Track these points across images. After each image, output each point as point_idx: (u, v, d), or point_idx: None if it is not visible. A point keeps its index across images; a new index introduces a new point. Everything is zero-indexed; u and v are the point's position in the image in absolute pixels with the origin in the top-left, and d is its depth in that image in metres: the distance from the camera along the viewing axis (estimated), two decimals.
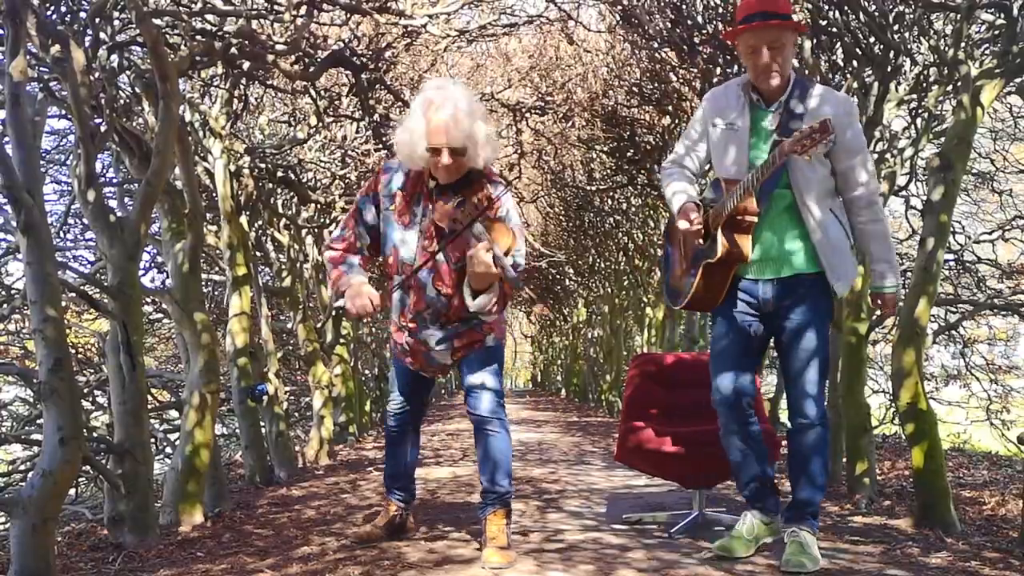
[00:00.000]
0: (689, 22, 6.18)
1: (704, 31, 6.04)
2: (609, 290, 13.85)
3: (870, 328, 4.67)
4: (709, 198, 3.05)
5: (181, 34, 4.37)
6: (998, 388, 9.56)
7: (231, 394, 5.64)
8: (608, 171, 10.73)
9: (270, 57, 4.54)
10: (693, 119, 3.19)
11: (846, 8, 4.55)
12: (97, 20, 3.86)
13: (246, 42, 4.35)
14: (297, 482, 5.53)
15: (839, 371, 4.76)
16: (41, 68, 3.82)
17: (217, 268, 7.74)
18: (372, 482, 5.34)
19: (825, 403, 3.02)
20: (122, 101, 4.43)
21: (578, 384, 19.11)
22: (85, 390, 6.50)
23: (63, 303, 3.18)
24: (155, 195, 3.74)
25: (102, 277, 4.01)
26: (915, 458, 3.73)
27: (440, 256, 3.05)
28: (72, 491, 5.93)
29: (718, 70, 6.03)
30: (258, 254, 7.21)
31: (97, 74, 3.89)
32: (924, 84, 4.91)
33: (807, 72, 4.73)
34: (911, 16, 4.66)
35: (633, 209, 11.03)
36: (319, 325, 7.88)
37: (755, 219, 2.92)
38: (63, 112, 4.77)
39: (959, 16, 3.98)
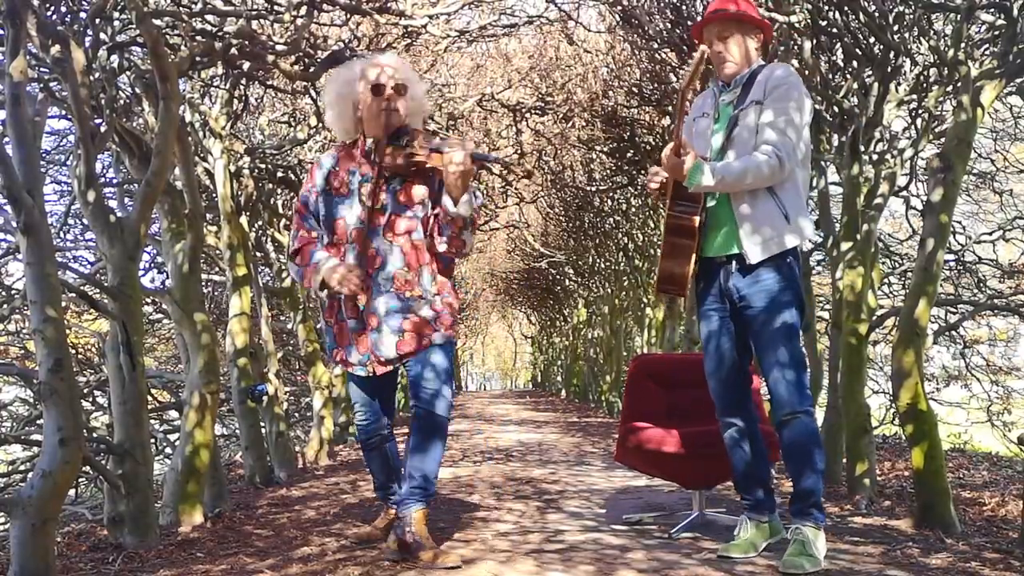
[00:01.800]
0: (689, 23, 6.18)
1: None
2: (609, 291, 13.84)
3: (870, 328, 4.67)
4: None
5: (181, 34, 4.37)
6: (999, 389, 9.55)
7: (231, 394, 5.64)
8: (608, 172, 10.73)
9: (270, 57, 4.53)
10: None
11: (846, 8, 4.55)
12: (97, 20, 3.86)
13: (246, 42, 4.35)
14: (297, 482, 5.52)
15: (839, 371, 4.76)
16: (41, 68, 3.82)
17: (217, 268, 7.74)
18: (372, 482, 5.33)
19: (806, 391, 2.99)
20: (122, 101, 4.43)
21: (578, 385, 19.09)
22: (85, 390, 6.50)
23: (63, 303, 3.18)
24: (155, 195, 3.74)
25: (102, 277, 4.01)
26: (915, 459, 3.73)
27: (389, 205, 3.10)
28: (72, 492, 5.93)
29: None
30: (258, 254, 7.21)
31: (97, 74, 3.89)
32: (924, 85, 4.91)
33: (807, 72, 4.73)
34: (911, 16, 4.66)
35: (633, 210, 11.02)
36: (319, 325, 7.87)
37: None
38: (63, 112, 4.77)
39: (959, 16, 3.98)
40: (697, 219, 3.03)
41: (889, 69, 4.59)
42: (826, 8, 4.69)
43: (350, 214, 3.13)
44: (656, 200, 3.21)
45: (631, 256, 11.78)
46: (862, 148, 4.73)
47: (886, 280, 8.19)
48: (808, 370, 3.21)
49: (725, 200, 3.04)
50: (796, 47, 4.75)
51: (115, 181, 5.47)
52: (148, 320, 8.74)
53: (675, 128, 2.97)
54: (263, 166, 6.37)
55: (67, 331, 3.22)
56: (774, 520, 3.16)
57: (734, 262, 3.04)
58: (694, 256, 3.06)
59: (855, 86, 4.81)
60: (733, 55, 3.12)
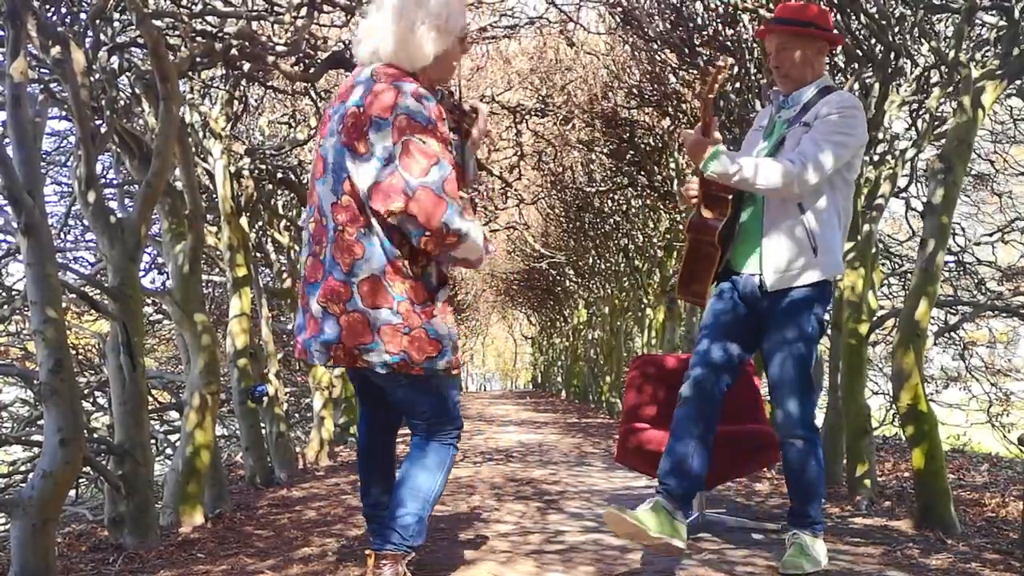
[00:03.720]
0: (689, 24, 6.18)
1: (704, 33, 6.04)
2: (609, 291, 13.84)
3: (870, 329, 4.67)
4: None
5: (181, 35, 4.38)
6: (997, 391, 9.55)
7: (231, 395, 5.64)
8: (608, 173, 10.73)
9: (270, 58, 4.54)
10: None
11: (848, 10, 4.55)
12: (97, 21, 3.86)
13: (246, 43, 4.35)
14: (297, 483, 5.52)
15: (839, 372, 4.76)
16: (42, 69, 3.82)
17: (217, 269, 7.74)
18: None
19: (808, 417, 2.89)
20: (122, 102, 4.43)
21: (578, 385, 19.10)
22: (85, 391, 6.50)
23: (63, 304, 3.18)
24: (155, 196, 3.74)
25: (102, 278, 4.02)
26: (915, 460, 3.73)
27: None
28: (72, 492, 5.93)
29: None
30: (258, 255, 7.21)
31: (97, 75, 3.90)
32: (925, 86, 4.91)
33: None
34: (912, 18, 4.66)
35: (633, 210, 11.02)
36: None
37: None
38: (64, 113, 4.77)
39: (960, 18, 3.98)
40: (719, 231, 2.92)
41: (890, 70, 4.60)
42: (827, 9, 4.69)
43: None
44: (688, 207, 3.08)
45: (631, 257, 11.78)
46: None
47: (886, 281, 8.19)
48: (816, 393, 3.09)
49: (756, 218, 2.93)
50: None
51: (115, 182, 5.48)
52: (148, 321, 8.74)
53: (703, 109, 2.80)
54: (263, 167, 6.37)
55: (67, 332, 3.22)
56: (677, 524, 2.76)
57: (757, 278, 2.94)
58: (716, 265, 2.97)
59: (856, 87, 4.81)
60: (792, 72, 2.97)
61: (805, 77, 2.99)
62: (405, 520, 2.58)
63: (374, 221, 2.48)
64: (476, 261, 2.66)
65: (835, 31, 3.25)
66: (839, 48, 4.92)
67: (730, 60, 2.81)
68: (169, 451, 7.07)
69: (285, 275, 7.38)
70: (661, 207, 9.26)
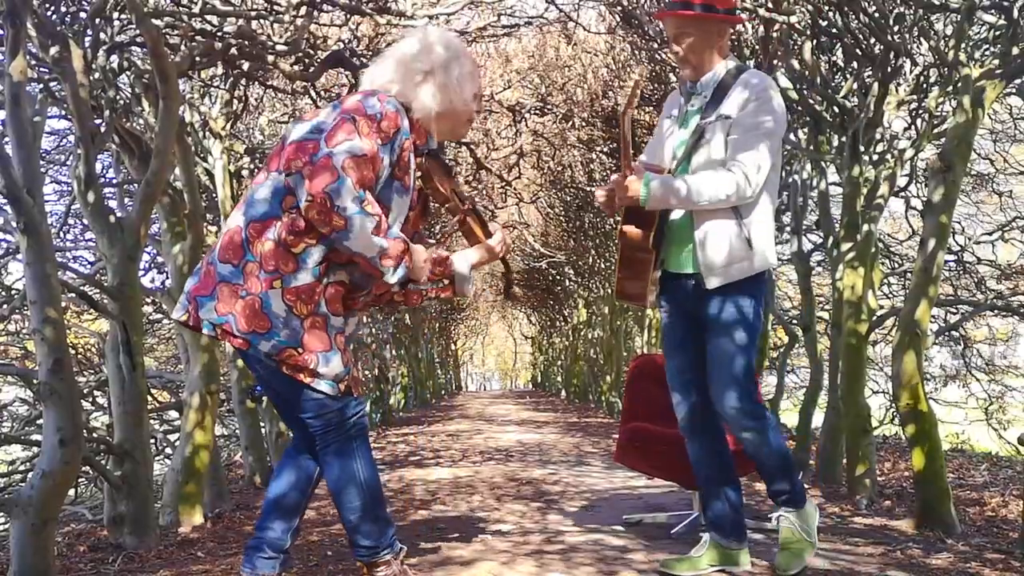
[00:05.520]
0: None
1: None
2: (609, 291, 13.84)
3: (870, 329, 4.67)
4: None
5: (181, 35, 4.37)
6: (996, 389, 9.56)
7: (231, 395, 5.64)
8: (608, 172, 10.73)
9: (270, 57, 4.53)
10: None
11: (846, 9, 4.55)
12: (97, 21, 3.86)
13: (246, 43, 4.35)
14: None
15: (839, 372, 4.76)
16: (41, 68, 3.82)
17: None
18: None
19: (751, 409, 2.80)
20: (122, 102, 4.43)
21: (578, 385, 19.09)
22: (85, 391, 6.50)
23: (63, 303, 3.18)
24: (155, 196, 3.73)
25: (102, 278, 4.01)
26: (915, 459, 3.73)
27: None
28: (72, 492, 5.93)
29: None
30: None
31: (97, 74, 3.89)
32: (924, 85, 4.91)
33: (807, 73, 4.73)
34: (911, 17, 4.66)
35: None
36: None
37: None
38: (63, 113, 4.77)
39: (959, 17, 3.98)
40: (651, 232, 2.83)
41: (889, 69, 4.59)
42: (826, 8, 4.69)
43: (399, 207, 2.53)
44: (610, 214, 3.01)
45: None
46: (862, 149, 4.73)
47: (886, 280, 8.19)
48: (757, 385, 3.02)
49: (688, 217, 2.85)
50: (796, 47, 4.75)
51: (115, 181, 5.46)
52: (148, 320, 8.73)
53: (622, 153, 2.72)
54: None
55: (67, 331, 3.22)
56: (739, 551, 2.94)
57: (693, 280, 2.86)
58: (651, 268, 2.88)
59: (855, 86, 4.81)
60: (691, 57, 2.84)
61: (708, 63, 2.86)
62: (360, 540, 2.55)
63: (270, 175, 2.42)
64: (373, 265, 2.37)
65: (737, 11, 3.13)
66: (840, 47, 4.94)
67: (639, 75, 2.73)
68: (169, 451, 7.06)
69: None
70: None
